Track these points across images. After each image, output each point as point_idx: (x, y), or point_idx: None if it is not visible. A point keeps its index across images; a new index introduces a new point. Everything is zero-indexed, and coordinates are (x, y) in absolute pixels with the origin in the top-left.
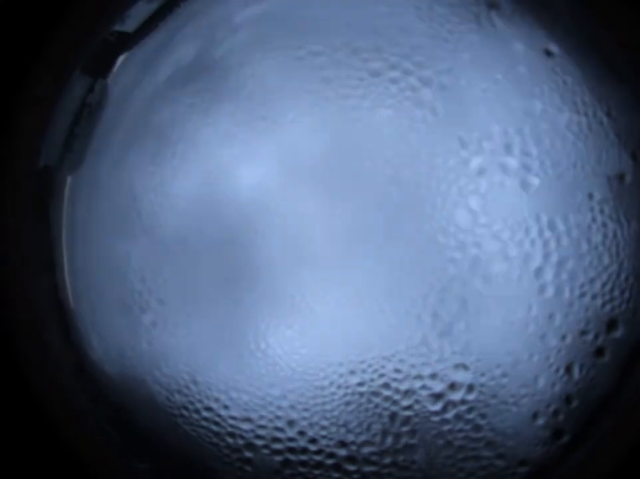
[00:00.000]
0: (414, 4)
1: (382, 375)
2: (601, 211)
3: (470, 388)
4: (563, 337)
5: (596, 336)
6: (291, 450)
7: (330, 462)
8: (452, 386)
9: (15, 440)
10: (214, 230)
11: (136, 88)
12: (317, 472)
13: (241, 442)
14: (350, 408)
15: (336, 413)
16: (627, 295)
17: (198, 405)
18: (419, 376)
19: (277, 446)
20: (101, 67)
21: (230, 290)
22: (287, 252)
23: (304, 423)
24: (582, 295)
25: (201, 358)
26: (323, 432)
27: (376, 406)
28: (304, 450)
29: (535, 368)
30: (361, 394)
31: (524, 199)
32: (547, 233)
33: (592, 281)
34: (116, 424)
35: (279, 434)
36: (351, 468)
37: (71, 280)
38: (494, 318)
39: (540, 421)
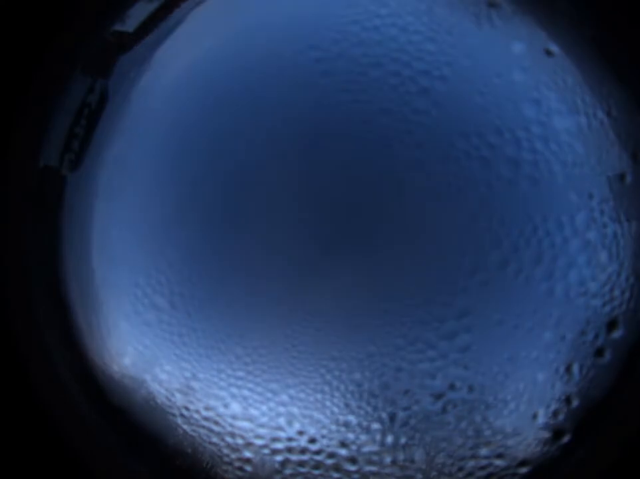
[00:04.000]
0: (414, 4)
1: (381, 375)
2: (601, 211)
3: (470, 388)
4: (563, 337)
5: (596, 336)
6: (291, 450)
7: (330, 462)
8: (452, 386)
9: (15, 440)
10: (216, 229)
11: (136, 88)
12: (316, 472)
13: (241, 441)
14: (350, 408)
15: (336, 413)
16: (627, 295)
17: (198, 405)
18: (419, 376)
19: (277, 445)
20: (101, 67)
21: (230, 290)
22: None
23: (304, 422)
24: (582, 295)
25: (201, 357)
26: (323, 432)
27: (376, 406)
28: (304, 450)
29: (535, 368)
30: (361, 393)
31: (524, 198)
32: (548, 233)
33: (592, 281)
34: (116, 424)
35: (278, 434)
36: (351, 468)
37: (71, 280)
38: (494, 318)
39: (540, 421)
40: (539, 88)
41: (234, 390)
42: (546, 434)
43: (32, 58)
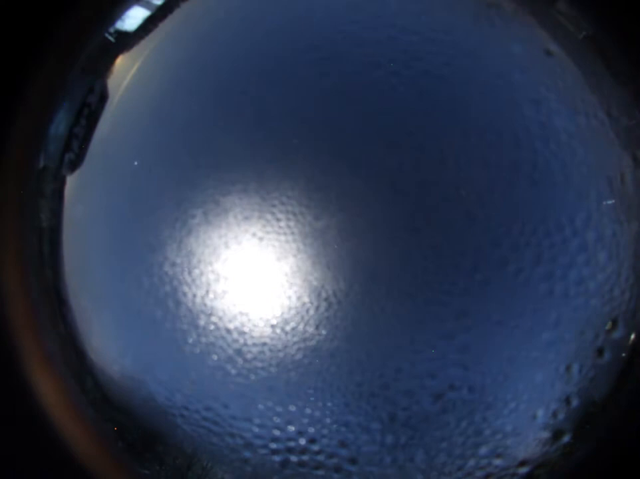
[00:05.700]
0: (414, 4)
1: (381, 375)
2: (601, 211)
3: (470, 388)
4: (563, 337)
5: (596, 336)
6: (291, 450)
7: (330, 462)
8: (452, 386)
9: (15, 441)
10: (216, 229)
11: (136, 89)
12: (317, 472)
13: (240, 441)
14: (350, 408)
15: (336, 413)
16: (627, 295)
17: (198, 405)
18: (419, 376)
19: (277, 445)
20: (101, 67)
21: (229, 290)
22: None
23: (304, 422)
24: (582, 294)
25: (201, 357)
26: (323, 432)
27: (376, 406)
28: (304, 450)
29: (535, 368)
30: (360, 394)
31: (524, 198)
32: (548, 233)
33: (592, 280)
34: (116, 424)
35: (278, 434)
36: (351, 468)
37: (71, 280)
38: (494, 318)
39: (540, 421)
40: (539, 88)
41: (234, 390)
42: (546, 434)
43: (33, 58)
